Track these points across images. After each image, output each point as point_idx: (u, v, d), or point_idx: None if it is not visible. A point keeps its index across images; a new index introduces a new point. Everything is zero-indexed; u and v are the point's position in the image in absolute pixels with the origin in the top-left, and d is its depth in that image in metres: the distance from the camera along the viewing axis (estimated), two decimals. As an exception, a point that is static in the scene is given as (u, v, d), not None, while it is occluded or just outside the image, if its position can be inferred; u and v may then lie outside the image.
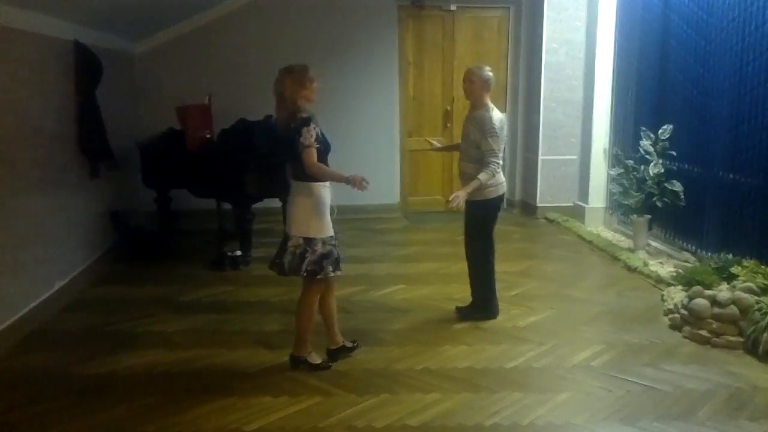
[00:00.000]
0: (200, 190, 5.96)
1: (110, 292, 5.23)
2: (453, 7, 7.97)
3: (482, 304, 4.60)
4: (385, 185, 8.06)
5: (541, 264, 6.09)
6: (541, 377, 3.74)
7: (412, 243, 6.88)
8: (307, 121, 3.57)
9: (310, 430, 3.19)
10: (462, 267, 4.78)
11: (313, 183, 3.64)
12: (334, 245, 3.74)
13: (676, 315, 4.40)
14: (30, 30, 4.55)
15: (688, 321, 4.28)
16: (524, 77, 8.10)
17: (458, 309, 4.72)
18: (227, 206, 6.40)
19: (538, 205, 7.83)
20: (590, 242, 6.60)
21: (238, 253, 5.89)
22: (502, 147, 4.34)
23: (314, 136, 3.56)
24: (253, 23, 7.60)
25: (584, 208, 7.38)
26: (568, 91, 7.56)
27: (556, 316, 4.69)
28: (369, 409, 3.37)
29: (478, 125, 4.31)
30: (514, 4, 8.04)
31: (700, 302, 4.22)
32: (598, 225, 7.26)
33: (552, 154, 7.72)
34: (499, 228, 7.25)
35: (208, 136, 6.12)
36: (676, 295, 4.62)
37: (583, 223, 7.29)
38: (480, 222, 4.50)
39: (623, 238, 6.69)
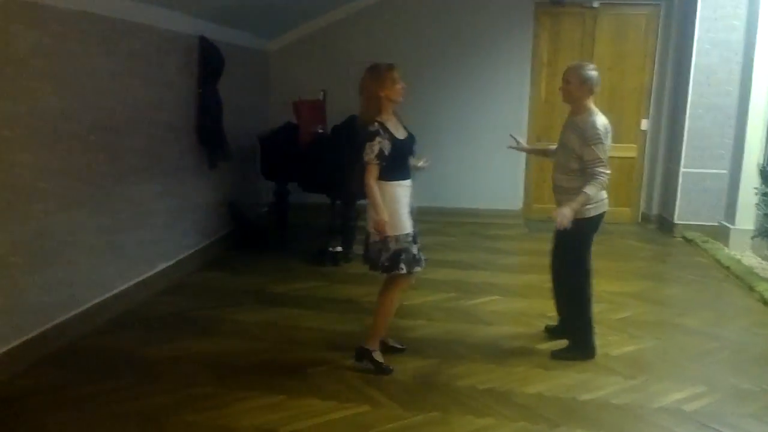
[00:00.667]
0: (307, 183, 6.03)
1: (210, 278, 5.43)
2: (596, 4, 7.44)
3: (578, 342, 4.00)
4: (508, 190, 7.78)
5: (661, 287, 5.50)
6: (616, 416, 3.32)
7: (522, 252, 6.52)
8: (371, 135, 3.52)
9: (345, 440, 3.08)
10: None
11: (384, 182, 3.60)
12: (410, 242, 3.66)
13: (804, 362, 3.76)
14: (153, 24, 4.81)
15: (814, 371, 3.63)
16: (671, 80, 7.38)
17: (547, 328, 4.37)
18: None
19: (676, 222, 7.09)
20: (727, 267, 5.84)
21: (339, 249, 5.89)
22: (607, 156, 3.90)
23: (376, 152, 3.49)
24: (382, 20, 7.58)
25: (729, 229, 6.58)
26: (720, 97, 6.76)
27: (659, 347, 4.18)
28: (412, 427, 3.17)
29: (579, 132, 3.80)
30: (665, 1, 7.35)
31: (831, 351, 3.56)
32: (745, 249, 6.42)
33: (696, 166, 6.95)
34: (627, 244, 6.85)
35: (320, 131, 6.18)
36: (810, 338, 3.95)
37: (727, 246, 6.50)
38: (574, 244, 3.92)
39: (772, 266, 5.88)
